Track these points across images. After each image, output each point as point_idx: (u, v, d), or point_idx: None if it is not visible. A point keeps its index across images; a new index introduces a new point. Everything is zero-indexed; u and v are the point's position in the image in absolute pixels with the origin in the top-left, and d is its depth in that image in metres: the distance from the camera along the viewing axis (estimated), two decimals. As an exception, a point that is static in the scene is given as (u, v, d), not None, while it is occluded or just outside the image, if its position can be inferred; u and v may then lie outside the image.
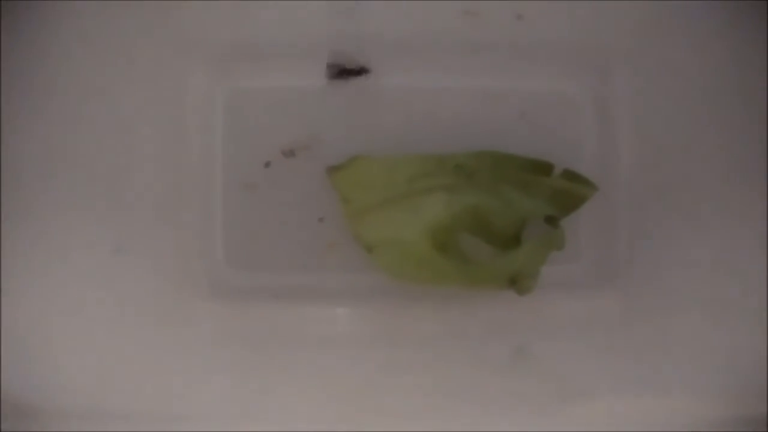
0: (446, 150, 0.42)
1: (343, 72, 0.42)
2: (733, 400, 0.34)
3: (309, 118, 0.43)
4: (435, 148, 0.42)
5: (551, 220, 0.42)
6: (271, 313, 0.42)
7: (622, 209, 0.43)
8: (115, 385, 0.36)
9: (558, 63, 0.43)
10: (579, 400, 0.36)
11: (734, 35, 0.37)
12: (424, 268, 0.41)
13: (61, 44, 0.37)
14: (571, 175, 0.43)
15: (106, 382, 0.36)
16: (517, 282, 0.41)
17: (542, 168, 0.43)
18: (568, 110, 0.43)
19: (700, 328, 0.38)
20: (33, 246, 0.36)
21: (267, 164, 0.43)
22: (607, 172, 0.43)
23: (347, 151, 0.42)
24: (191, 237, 0.42)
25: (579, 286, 0.43)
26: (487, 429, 0.34)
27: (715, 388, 0.35)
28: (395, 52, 0.43)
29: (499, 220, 0.41)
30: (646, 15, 0.40)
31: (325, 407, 0.37)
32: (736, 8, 0.36)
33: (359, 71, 0.42)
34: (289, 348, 0.40)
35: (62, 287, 0.37)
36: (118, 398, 0.35)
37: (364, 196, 0.41)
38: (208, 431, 0.34)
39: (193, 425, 0.34)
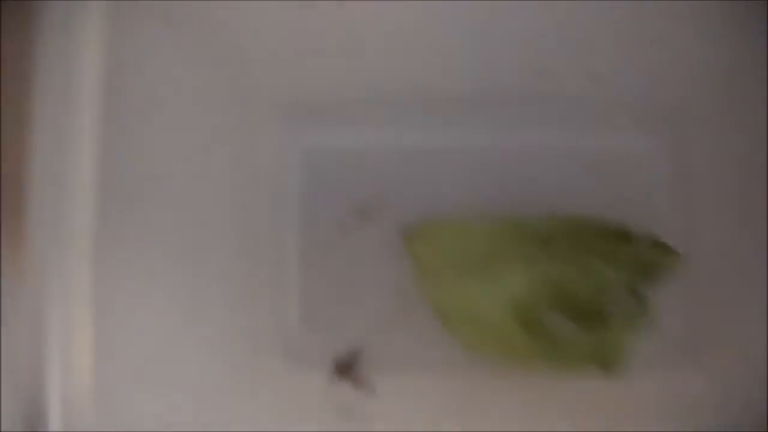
0: (521, 209, 0.41)
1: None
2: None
3: (383, 178, 0.43)
4: (510, 206, 0.42)
5: (637, 293, 0.40)
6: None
7: (705, 279, 0.41)
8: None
9: (633, 121, 0.43)
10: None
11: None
12: (503, 342, 0.39)
13: (135, 92, 0.36)
14: (654, 243, 0.41)
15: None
16: (604, 361, 0.39)
17: (623, 235, 0.41)
18: (644, 170, 0.43)
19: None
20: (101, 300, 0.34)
21: (342, 225, 0.43)
22: (685, 238, 0.41)
23: (423, 212, 0.42)
24: (265, 297, 0.42)
25: (664, 364, 0.41)
26: None
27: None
28: (467, 109, 0.43)
29: (581, 293, 0.39)
30: (722, 73, 0.39)
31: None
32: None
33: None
34: (360, 415, 0.40)
35: (130, 342, 0.35)
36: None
37: (439, 263, 0.40)
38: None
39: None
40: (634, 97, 0.41)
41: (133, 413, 0.34)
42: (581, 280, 0.40)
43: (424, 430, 0.38)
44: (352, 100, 0.42)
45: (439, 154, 0.43)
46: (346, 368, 0.41)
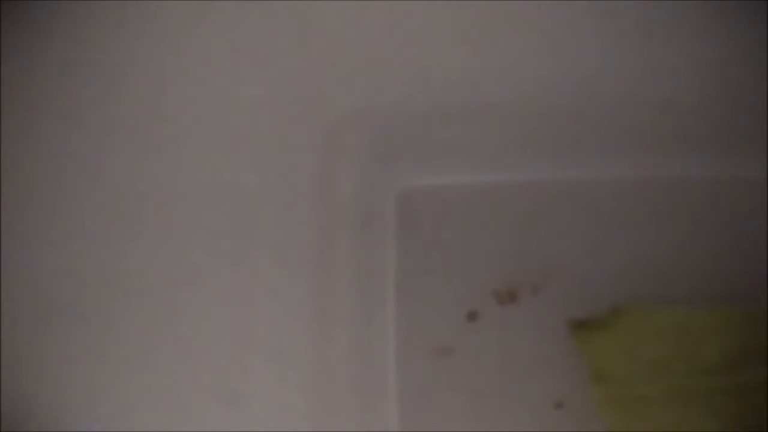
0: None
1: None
2: None
3: (539, 236, 0.34)
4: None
5: None
6: None
7: None
8: None
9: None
10: None
11: None
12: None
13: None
14: None
15: None
16: None
17: None
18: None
19: None
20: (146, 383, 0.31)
21: (471, 316, 0.33)
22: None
23: (603, 296, 0.32)
24: (346, 419, 0.33)
25: None
26: None
27: None
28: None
29: None
30: None
31: None
32: None
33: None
34: None
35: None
36: None
37: (635, 376, 0.30)
38: None
39: None
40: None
41: None
42: None
43: None
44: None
45: (628, 197, 0.33)
46: None
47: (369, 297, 0.34)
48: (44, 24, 0.31)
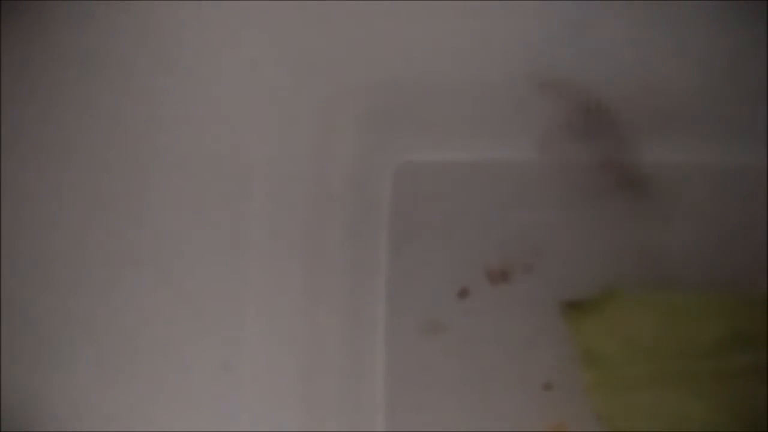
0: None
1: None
2: None
3: (534, 215, 0.33)
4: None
5: None
6: None
7: None
8: None
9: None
10: None
11: None
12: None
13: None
14: None
15: None
16: None
17: None
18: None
19: None
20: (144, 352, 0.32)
21: (462, 293, 0.33)
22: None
23: (596, 277, 0.31)
24: (334, 393, 0.33)
25: None
26: None
27: None
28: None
29: None
30: None
31: None
32: None
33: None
34: None
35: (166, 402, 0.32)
36: None
37: (626, 360, 0.29)
38: None
39: None
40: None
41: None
42: None
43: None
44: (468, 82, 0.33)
45: (624, 180, 0.33)
46: None
47: (361, 270, 0.33)
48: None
